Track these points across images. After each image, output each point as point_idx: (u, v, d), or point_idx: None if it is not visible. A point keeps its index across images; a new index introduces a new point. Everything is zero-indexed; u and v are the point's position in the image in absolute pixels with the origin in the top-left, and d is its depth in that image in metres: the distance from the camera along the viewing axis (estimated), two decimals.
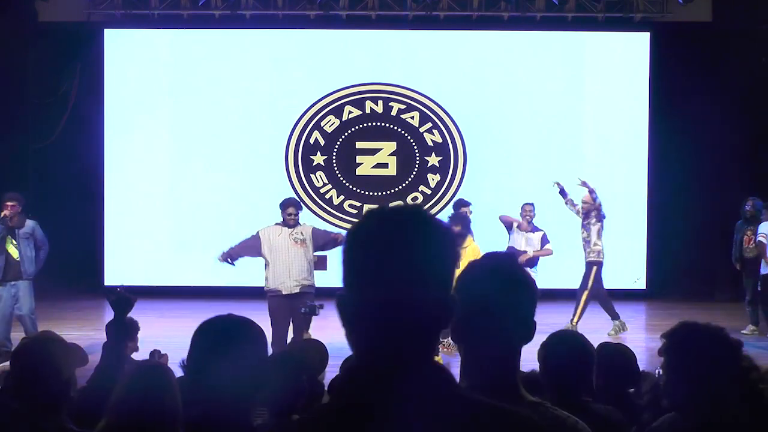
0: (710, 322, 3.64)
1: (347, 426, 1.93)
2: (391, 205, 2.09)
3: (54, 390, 4.03)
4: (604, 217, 14.49)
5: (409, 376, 1.94)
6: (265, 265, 12.03)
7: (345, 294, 1.99)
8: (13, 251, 12.20)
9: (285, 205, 12.11)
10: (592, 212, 14.39)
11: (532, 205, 14.40)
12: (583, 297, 14.12)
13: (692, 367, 3.49)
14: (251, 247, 12.03)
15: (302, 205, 12.62)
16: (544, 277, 13.43)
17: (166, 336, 10.49)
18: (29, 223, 12.32)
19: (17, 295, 12.15)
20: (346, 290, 1.99)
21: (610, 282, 18.11)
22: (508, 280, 2.59)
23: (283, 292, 11.73)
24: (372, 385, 1.94)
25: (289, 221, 11.94)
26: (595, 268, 14.22)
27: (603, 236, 14.40)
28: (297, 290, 11.77)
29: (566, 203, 14.98)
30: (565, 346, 4.62)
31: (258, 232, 12.04)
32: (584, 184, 14.60)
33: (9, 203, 12.12)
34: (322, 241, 12.09)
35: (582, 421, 2.64)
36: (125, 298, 5.65)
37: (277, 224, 12.05)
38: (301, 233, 11.97)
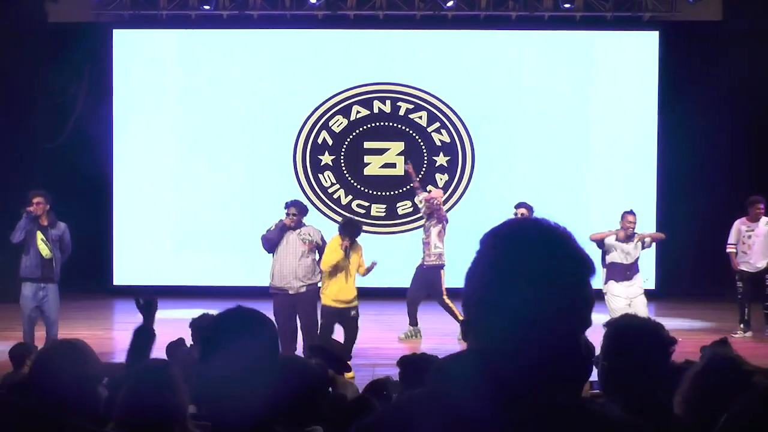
0: (650, 318, 3.97)
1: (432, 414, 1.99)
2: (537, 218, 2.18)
3: (71, 391, 4.02)
4: (446, 221, 14.10)
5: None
6: (272, 263, 12.08)
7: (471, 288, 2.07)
8: (44, 249, 12.19)
9: (288, 204, 12.30)
10: (434, 213, 14.00)
11: (635, 214, 13.45)
12: (447, 302, 13.76)
13: (625, 356, 3.75)
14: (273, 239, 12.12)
15: (307, 208, 12.56)
16: None
17: (172, 336, 10.47)
18: (60, 225, 12.34)
19: (45, 298, 12.06)
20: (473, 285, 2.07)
21: None
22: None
23: (290, 292, 11.79)
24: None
25: (288, 220, 12.00)
26: (442, 272, 13.87)
27: (444, 239, 13.98)
28: (303, 290, 11.83)
29: (417, 195, 14.72)
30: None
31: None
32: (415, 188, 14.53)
33: (35, 199, 12.15)
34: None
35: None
36: (153, 301, 5.48)
37: (281, 220, 12.17)
38: (309, 234, 12.09)
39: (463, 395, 1.98)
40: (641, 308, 12.94)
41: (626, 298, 13.09)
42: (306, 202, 18.05)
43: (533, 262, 2.02)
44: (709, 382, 3.75)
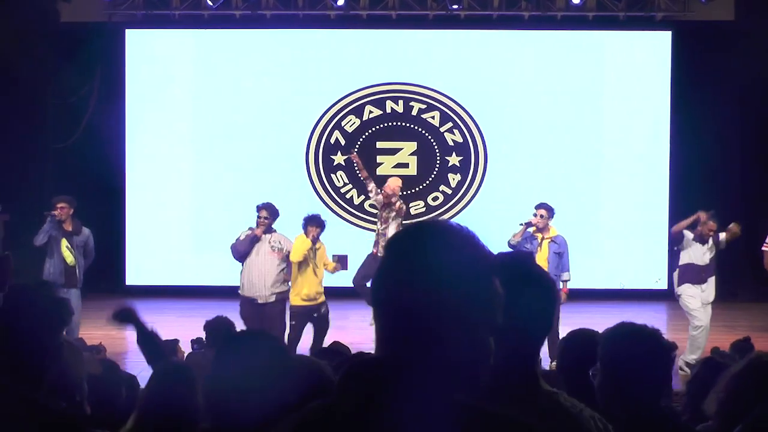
0: (647, 325, 3.88)
1: (342, 423, 1.98)
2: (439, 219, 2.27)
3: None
4: (403, 214, 14.02)
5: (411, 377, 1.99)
6: (241, 269, 12.17)
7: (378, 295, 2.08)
8: (68, 256, 12.27)
9: (259, 207, 12.32)
10: (393, 205, 13.91)
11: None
12: None
13: (623, 364, 3.72)
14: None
15: (278, 212, 12.50)
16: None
17: (187, 336, 10.50)
18: (85, 231, 12.41)
19: None
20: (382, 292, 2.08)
21: (631, 282, 18.14)
22: (519, 276, 2.63)
23: (259, 301, 11.85)
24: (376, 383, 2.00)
25: (259, 223, 12.04)
26: None
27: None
28: (273, 299, 11.88)
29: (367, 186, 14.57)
30: (581, 345, 4.65)
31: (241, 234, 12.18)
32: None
33: (59, 204, 12.21)
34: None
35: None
36: (125, 311, 5.45)
37: (251, 229, 12.20)
38: (279, 242, 12.10)
39: (368, 405, 1.99)
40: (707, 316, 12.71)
41: (700, 301, 12.69)
42: (318, 201, 18.19)
43: (429, 263, 2.02)
44: (750, 382, 3.70)
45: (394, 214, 14.01)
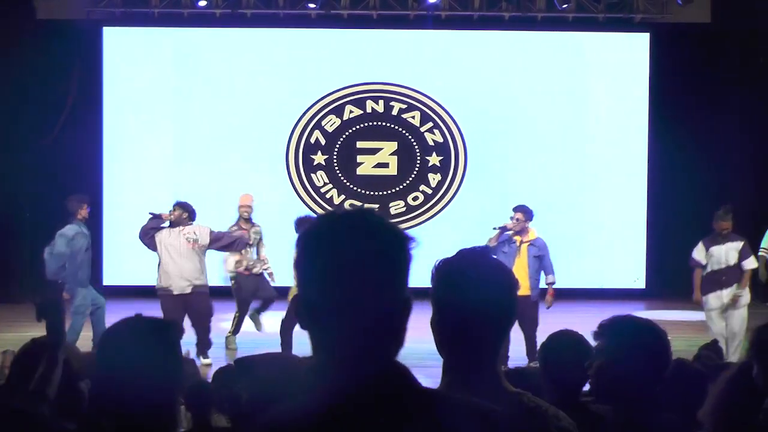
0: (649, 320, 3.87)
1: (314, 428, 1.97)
2: (342, 208, 2.17)
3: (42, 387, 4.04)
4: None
5: (369, 379, 1.99)
6: (158, 264, 12.23)
7: (304, 298, 2.04)
8: None
9: (173, 205, 12.43)
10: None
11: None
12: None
13: (624, 352, 3.68)
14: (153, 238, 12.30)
15: (194, 212, 12.57)
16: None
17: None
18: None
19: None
20: (303, 294, 2.04)
21: (610, 281, 18.20)
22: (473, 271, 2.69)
23: (175, 292, 11.88)
24: (335, 388, 1.99)
25: (170, 219, 12.21)
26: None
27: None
28: (189, 290, 11.90)
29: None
30: (565, 346, 4.67)
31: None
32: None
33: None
34: (227, 241, 12.38)
35: (578, 419, 2.68)
36: (54, 302, 5.03)
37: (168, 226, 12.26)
38: (194, 233, 12.16)
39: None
40: (736, 324, 12.05)
41: (718, 308, 12.10)
42: (298, 201, 18.19)
43: (338, 253, 2.00)
44: (743, 387, 3.71)
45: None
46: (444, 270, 2.68)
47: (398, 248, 2.04)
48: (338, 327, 1.99)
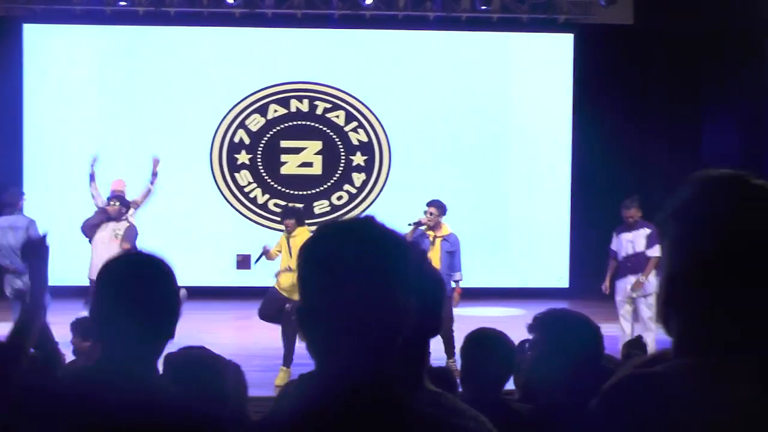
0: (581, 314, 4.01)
1: None
2: (338, 219, 2.20)
3: None
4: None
5: (346, 390, 2.00)
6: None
7: (304, 307, 2.08)
8: None
9: (110, 199, 12.75)
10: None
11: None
12: None
13: (559, 345, 3.75)
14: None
15: (128, 202, 12.83)
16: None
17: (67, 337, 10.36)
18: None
19: None
20: (304, 303, 2.08)
21: (532, 280, 18.32)
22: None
23: None
24: (331, 397, 2.00)
25: (110, 212, 12.55)
26: None
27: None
28: None
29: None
30: (486, 344, 4.68)
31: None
32: None
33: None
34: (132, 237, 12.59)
35: (498, 417, 2.67)
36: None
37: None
38: (121, 229, 12.48)
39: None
40: (645, 313, 12.55)
41: (625, 295, 12.65)
42: (222, 200, 18.10)
43: (337, 263, 2.03)
44: None
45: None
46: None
47: (400, 257, 2.08)
48: (334, 336, 2.03)
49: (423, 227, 12.08)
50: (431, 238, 11.98)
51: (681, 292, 2.03)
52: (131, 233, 12.48)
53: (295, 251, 12.02)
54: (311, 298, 2.06)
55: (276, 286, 12.07)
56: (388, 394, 2.03)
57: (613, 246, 12.89)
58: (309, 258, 2.08)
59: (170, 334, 2.97)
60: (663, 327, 2.07)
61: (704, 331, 2.00)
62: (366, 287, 2.01)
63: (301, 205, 12.75)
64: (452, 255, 12.06)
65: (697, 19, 17.25)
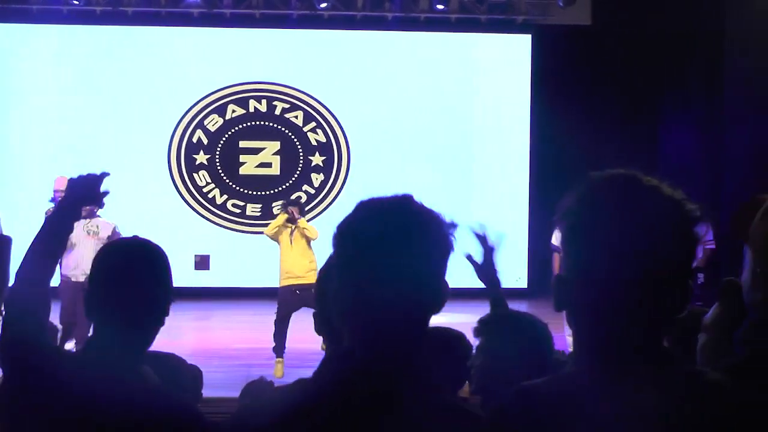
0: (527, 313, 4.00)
1: (333, 419, 1.98)
2: (381, 197, 2.21)
3: None
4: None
5: (400, 374, 2.00)
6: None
7: (340, 289, 2.06)
8: None
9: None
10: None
11: None
12: None
13: (505, 347, 3.73)
14: None
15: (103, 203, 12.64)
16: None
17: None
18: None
19: None
20: (340, 285, 2.07)
21: None
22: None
23: (72, 280, 12.16)
24: (364, 381, 1.99)
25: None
26: None
27: None
28: (82, 278, 12.00)
29: None
30: (440, 345, 4.68)
31: None
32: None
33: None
34: None
35: (452, 420, 2.69)
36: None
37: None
38: (97, 226, 12.48)
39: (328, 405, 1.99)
40: None
41: None
42: (180, 201, 18.03)
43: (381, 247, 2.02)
44: None
45: None
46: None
47: (441, 235, 2.11)
48: (359, 320, 2.03)
49: None
50: None
51: (570, 297, 1.97)
52: (117, 233, 12.50)
53: (297, 240, 12.07)
54: (356, 278, 2.03)
55: (287, 282, 12.06)
56: (411, 384, 2.02)
57: (556, 241, 13.04)
58: (354, 236, 2.08)
59: (160, 322, 3.06)
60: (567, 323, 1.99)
61: (597, 337, 1.94)
62: (412, 266, 2.02)
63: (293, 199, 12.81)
64: None
65: (654, 20, 17.37)
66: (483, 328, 3.86)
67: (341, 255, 2.08)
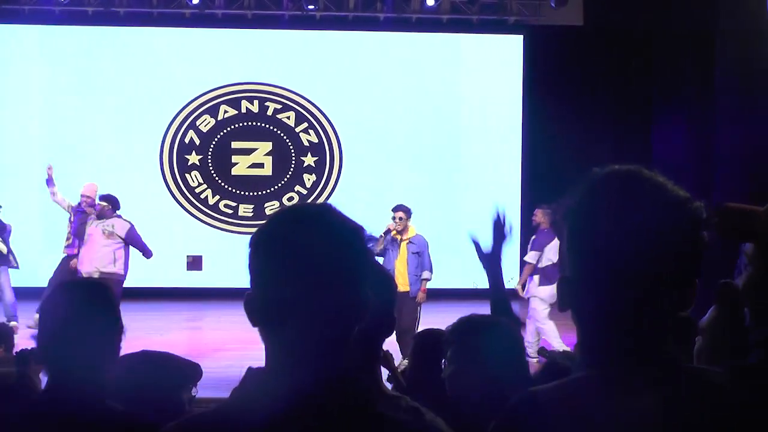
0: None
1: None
2: (294, 205, 2.11)
3: None
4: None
5: (319, 383, 1.92)
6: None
7: (252, 294, 1.96)
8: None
9: (99, 198, 13.26)
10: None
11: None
12: None
13: (477, 355, 3.66)
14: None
15: (118, 201, 13.27)
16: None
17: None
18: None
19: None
20: (254, 291, 1.96)
21: (484, 281, 18.34)
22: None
23: (85, 276, 12.50)
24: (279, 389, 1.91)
25: (89, 210, 13.27)
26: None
27: None
28: (96, 275, 12.47)
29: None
30: (430, 345, 4.69)
31: None
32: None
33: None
34: (137, 246, 13.03)
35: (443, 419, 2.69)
36: None
37: (91, 216, 13.19)
38: (112, 226, 12.84)
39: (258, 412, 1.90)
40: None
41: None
42: (172, 201, 18.02)
43: (304, 253, 1.91)
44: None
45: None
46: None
47: (360, 247, 1.98)
48: (294, 330, 1.91)
49: (393, 233, 12.28)
50: (399, 241, 12.22)
51: (574, 297, 1.94)
52: (133, 232, 12.96)
53: None
54: (265, 288, 1.93)
55: None
56: (357, 399, 1.94)
57: (528, 258, 13.61)
58: (264, 246, 1.97)
59: (114, 357, 3.06)
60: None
61: (602, 339, 1.91)
62: (327, 277, 1.90)
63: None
64: (419, 255, 12.33)
65: (646, 20, 17.38)
66: (451, 336, 3.82)
67: (258, 265, 1.98)
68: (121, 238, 12.74)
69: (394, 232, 12.27)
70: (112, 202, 13.08)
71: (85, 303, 3.02)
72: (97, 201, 13.11)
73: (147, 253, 13.09)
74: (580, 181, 2.01)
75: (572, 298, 1.95)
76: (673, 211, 1.91)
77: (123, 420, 2.96)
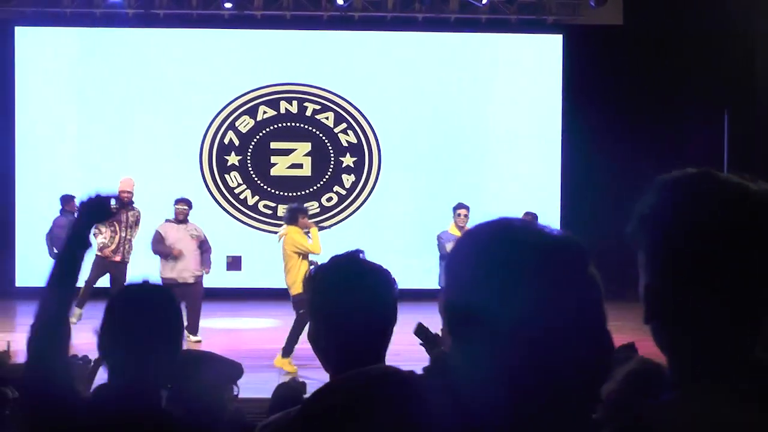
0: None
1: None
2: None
3: None
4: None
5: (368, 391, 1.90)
6: (165, 257, 13.22)
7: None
8: None
9: (177, 201, 13.67)
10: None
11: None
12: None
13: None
14: (161, 242, 13.38)
15: (191, 203, 13.75)
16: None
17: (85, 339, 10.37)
18: None
19: None
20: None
21: None
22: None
23: (179, 281, 12.81)
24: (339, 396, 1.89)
25: (179, 216, 13.51)
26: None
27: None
28: (191, 280, 13.01)
29: None
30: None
31: (157, 231, 13.50)
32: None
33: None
34: (204, 253, 13.52)
35: None
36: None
37: (168, 221, 13.46)
38: (195, 230, 13.42)
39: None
40: None
41: None
42: (212, 202, 18.11)
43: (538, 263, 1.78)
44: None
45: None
46: (317, 279, 2.81)
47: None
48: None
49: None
50: None
51: (662, 307, 1.84)
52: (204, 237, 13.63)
53: (283, 248, 12.05)
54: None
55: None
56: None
57: None
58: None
59: (173, 360, 3.08)
60: (654, 339, 1.86)
61: (697, 351, 1.80)
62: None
63: (294, 204, 12.88)
64: None
65: (687, 20, 17.29)
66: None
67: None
68: (202, 240, 13.40)
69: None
70: (189, 205, 13.67)
71: (160, 309, 3.09)
72: (176, 206, 13.62)
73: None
74: (654, 185, 1.91)
75: (661, 306, 1.85)
76: (737, 202, 1.82)
77: (182, 425, 3.02)
